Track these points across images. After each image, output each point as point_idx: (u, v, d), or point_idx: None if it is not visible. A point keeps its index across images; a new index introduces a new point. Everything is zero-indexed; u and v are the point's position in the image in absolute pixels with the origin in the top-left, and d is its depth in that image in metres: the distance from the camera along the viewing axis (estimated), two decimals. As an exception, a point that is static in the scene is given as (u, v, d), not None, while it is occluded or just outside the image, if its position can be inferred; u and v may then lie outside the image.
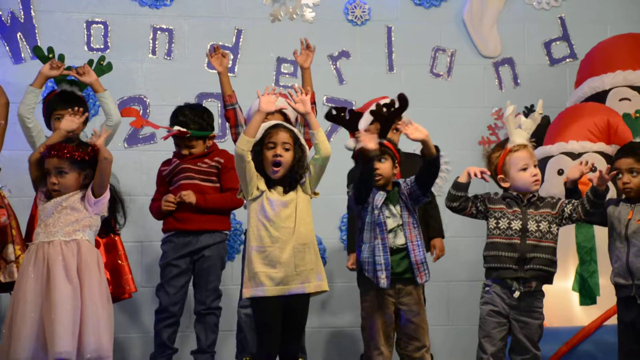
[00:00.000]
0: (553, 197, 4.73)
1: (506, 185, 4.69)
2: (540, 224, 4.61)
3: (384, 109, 4.63)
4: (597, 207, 4.60)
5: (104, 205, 4.46)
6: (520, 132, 4.71)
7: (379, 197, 4.56)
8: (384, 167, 4.59)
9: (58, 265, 4.28)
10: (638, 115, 5.08)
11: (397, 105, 4.61)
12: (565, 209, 4.64)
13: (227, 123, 5.51)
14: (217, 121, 6.40)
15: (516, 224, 4.60)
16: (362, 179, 4.55)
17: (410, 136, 4.47)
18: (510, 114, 4.69)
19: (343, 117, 4.63)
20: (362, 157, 4.46)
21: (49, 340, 4.17)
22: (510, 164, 4.65)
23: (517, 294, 4.55)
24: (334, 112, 4.63)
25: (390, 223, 4.55)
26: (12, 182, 5.56)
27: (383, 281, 4.49)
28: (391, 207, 4.57)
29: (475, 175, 4.58)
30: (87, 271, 4.32)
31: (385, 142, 4.62)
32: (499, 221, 4.62)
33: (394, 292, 4.54)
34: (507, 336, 4.61)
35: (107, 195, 4.44)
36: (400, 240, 4.55)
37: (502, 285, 4.58)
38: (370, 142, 4.42)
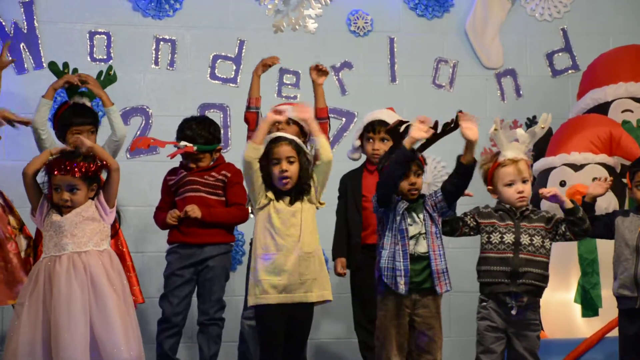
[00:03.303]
0: (548, 212, 4.71)
1: (495, 197, 4.70)
2: (533, 238, 4.59)
3: (439, 126, 4.57)
4: (585, 230, 4.62)
5: (114, 215, 4.53)
6: (514, 146, 4.68)
7: (402, 203, 4.55)
8: (420, 181, 4.58)
9: (102, 276, 4.35)
10: (640, 125, 5.10)
11: (453, 124, 4.55)
12: (560, 226, 4.63)
13: (246, 125, 5.47)
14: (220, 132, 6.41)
15: (509, 238, 4.58)
16: (391, 175, 4.49)
17: (463, 131, 4.44)
18: (503, 128, 4.68)
19: (398, 130, 4.62)
20: (403, 151, 4.43)
21: (103, 347, 4.26)
22: (497, 177, 4.65)
23: (514, 311, 4.54)
24: (395, 125, 4.64)
25: (412, 230, 4.53)
26: (15, 192, 5.54)
27: (402, 287, 4.47)
28: (414, 214, 4.55)
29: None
30: (120, 280, 4.42)
31: (420, 157, 4.61)
32: (491, 235, 4.61)
33: (410, 302, 4.52)
34: (504, 350, 4.61)
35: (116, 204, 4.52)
36: (422, 248, 4.52)
37: (497, 301, 4.57)
38: (420, 132, 4.41)
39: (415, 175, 4.57)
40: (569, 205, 4.59)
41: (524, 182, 4.63)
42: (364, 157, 5.61)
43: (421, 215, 4.56)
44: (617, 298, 4.80)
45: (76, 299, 4.28)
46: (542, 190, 4.69)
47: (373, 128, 5.39)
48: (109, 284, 4.36)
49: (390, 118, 5.28)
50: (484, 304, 4.61)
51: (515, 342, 4.56)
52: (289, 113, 4.95)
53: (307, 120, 4.57)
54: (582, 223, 4.59)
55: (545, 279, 4.61)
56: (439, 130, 4.56)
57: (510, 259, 4.55)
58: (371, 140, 5.43)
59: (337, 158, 6.08)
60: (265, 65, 5.45)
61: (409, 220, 4.54)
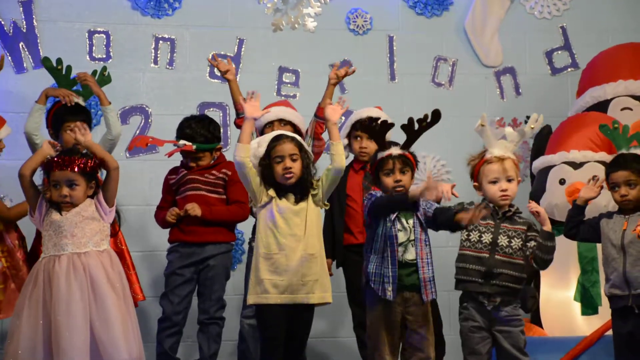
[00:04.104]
0: (534, 224, 4.66)
1: (480, 194, 4.70)
2: (512, 240, 4.58)
3: (415, 122, 4.59)
4: (544, 260, 4.59)
5: (114, 214, 4.51)
6: (501, 144, 4.68)
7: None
8: (406, 179, 4.58)
9: (102, 276, 4.35)
10: (617, 126, 5.07)
11: (429, 119, 4.57)
12: (531, 241, 4.60)
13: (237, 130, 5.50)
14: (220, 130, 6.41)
15: (487, 237, 4.58)
16: (394, 204, 4.53)
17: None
18: (489, 125, 4.68)
19: (374, 127, 4.64)
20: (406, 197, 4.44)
21: (103, 348, 4.26)
22: (483, 174, 4.65)
23: (490, 307, 4.52)
24: (366, 121, 4.66)
25: (401, 237, 4.52)
26: (14, 192, 5.56)
27: (389, 293, 4.46)
28: (403, 220, 4.54)
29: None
30: (120, 281, 4.42)
31: (406, 153, 4.60)
32: (470, 233, 4.60)
33: (401, 300, 4.51)
34: (491, 349, 4.60)
35: (115, 203, 4.52)
36: (410, 255, 4.51)
37: (474, 300, 4.56)
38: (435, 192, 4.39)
39: (401, 173, 4.57)
40: (547, 228, 4.57)
41: (509, 180, 4.62)
42: (352, 156, 5.60)
43: (410, 222, 4.55)
44: (609, 298, 4.80)
45: (76, 300, 4.28)
46: (530, 205, 4.68)
47: (360, 126, 5.38)
48: (109, 285, 4.36)
49: (377, 116, 5.27)
50: (465, 304, 4.60)
51: (500, 340, 4.55)
52: (272, 114, 4.99)
53: (329, 122, 4.54)
54: (547, 252, 4.56)
55: (520, 280, 4.59)
56: (416, 127, 4.58)
57: (486, 259, 4.55)
58: (358, 139, 5.43)
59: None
60: (224, 70, 5.49)
61: (398, 227, 4.54)
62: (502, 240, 4.57)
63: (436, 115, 4.59)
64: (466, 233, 4.61)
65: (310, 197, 4.52)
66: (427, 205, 4.57)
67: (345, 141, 5.49)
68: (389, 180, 4.58)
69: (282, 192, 4.49)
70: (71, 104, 5.33)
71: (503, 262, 4.55)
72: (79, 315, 4.26)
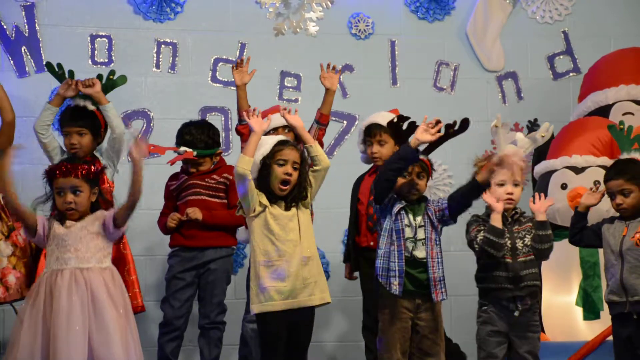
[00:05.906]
0: (532, 218, 4.69)
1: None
2: (525, 239, 4.64)
3: (444, 128, 4.55)
4: (541, 250, 4.62)
5: (119, 236, 4.51)
6: (512, 149, 4.68)
7: (399, 203, 4.54)
8: (422, 183, 4.58)
9: (103, 292, 4.33)
10: (622, 127, 5.08)
11: (457, 127, 4.54)
12: (529, 234, 4.64)
13: (240, 137, 5.48)
14: (221, 135, 6.40)
15: (505, 243, 4.61)
16: (387, 168, 4.51)
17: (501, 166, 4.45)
18: (503, 127, 4.67)
19: (400, 127, 4.63)
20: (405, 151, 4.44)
21: None
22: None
23: (517, 313, 4.54)
24: (395, 119, 4.65)
25: (408, 232, 4.52)
26: (20, 196, 5.57)
27: (395, 288, 4.46)
28: (411, 217, 4.54)
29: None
30: (122, 297, 4.40)
31: (425, 159, 4.61)
32: None
33: (412, 306, 4.51)
34: (506, 354, 4.61)
35: (125, 227, 4.48)
36: (420, 254, 4.51)
37: (499, 305, 4.57)
38: (426, 134, 4.43)
39: (417, 177, 4.57)
40: (540, 218, 4.60)
41: (515, 185, 4.64)
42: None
43: (419, 219, 4.54)
44: (608, 304, 4.81)
45: (76, 314, 4.26)
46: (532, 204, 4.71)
47: (370, 132, 5.38)
48: (110, 301, 4.33)
49: (387, 120, 5.27)
50: (485, 307, 4.61)
51: (517, 345, 4.56)
52: (276, 120, 4.98)
53: (298, 127, 4.58)
54: (540, 242, 4.60)
55: (540, 276, 4.66)
56: (442, 132, 4.55)
57: (510, 264, 4.59)
58: (370, 144, 5.43)
59: (340, 161, 6.13)
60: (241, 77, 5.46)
61: (405, 221, 4.53)
62: (519, 243, 4.62)
63: (464, 123, 4.53)
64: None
65: (299, 202, 4.52)
66: (438, 202, 4.57)
67: (361, 147, 5.49)
68: (405, 185, 4.57)
69: (273, 198, 4.49)
70: (73, 93, 5.29)
71: (526, 263, 4.61)
72: (79, 330, 4.24)
